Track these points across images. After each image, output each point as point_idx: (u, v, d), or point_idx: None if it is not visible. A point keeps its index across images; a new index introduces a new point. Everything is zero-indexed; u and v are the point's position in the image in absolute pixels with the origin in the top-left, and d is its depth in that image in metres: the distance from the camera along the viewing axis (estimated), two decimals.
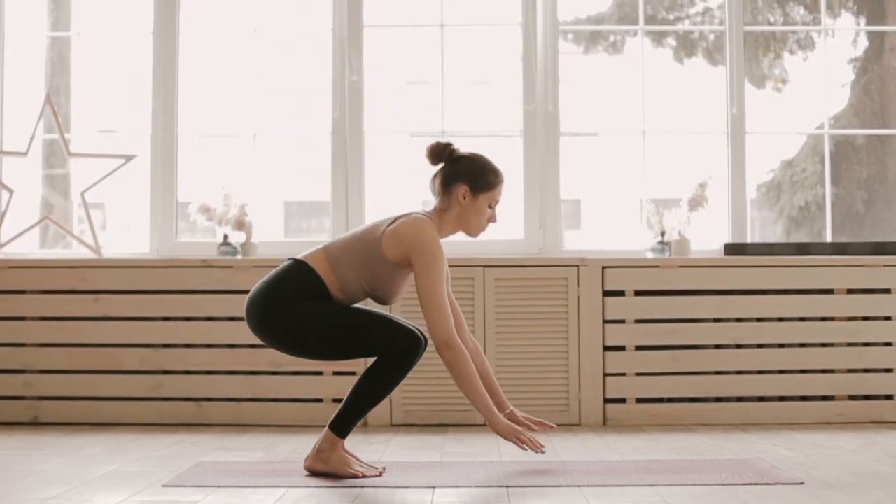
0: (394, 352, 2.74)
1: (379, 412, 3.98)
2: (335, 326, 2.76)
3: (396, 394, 3.97)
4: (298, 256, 2.87)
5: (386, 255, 2.79)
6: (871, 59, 5.72)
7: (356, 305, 2.87)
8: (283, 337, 2.79)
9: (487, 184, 2.90)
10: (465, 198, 2.88)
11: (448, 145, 2.92)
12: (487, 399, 2.81)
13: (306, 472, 2.83)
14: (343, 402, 2.80)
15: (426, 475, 2.83)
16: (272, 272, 2.87)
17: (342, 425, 2.78)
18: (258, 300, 2.80)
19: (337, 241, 2.88)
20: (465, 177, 2.88)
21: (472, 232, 2.94)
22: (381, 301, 2.88)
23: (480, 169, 2.90)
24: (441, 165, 2.93)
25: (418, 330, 2.81)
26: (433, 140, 2.94)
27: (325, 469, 2.80)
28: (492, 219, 2.95)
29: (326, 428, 2.81)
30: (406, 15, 4.91)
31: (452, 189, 2.89)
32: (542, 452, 2.86)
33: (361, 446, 3.38)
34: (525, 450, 2.80)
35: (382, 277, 2.81)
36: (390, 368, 2.75)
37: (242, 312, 4.01)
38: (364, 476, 2.78)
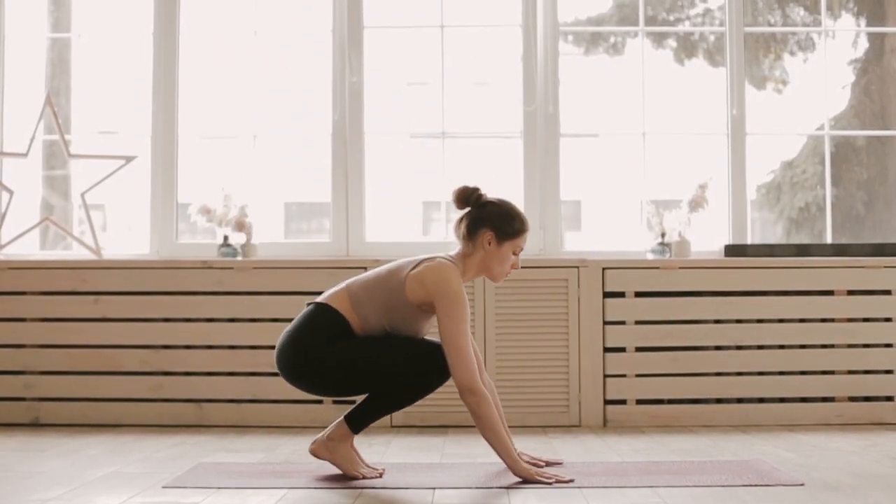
0: (423, 371, 2.78)
1: None
2: (363, 359, 2.77)
3: None
4: (319, 299, 2.88)
5: (409, 297, 2.80)
6: (871, 60, 5.72)
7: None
8: (318, 380, 2.80)
9: (513, 231, 2.88)
10: (489, 244, 2.87)
11: (475, 190, 2.90)
12: (509, 444, 2.79)
13: (311, 455, 2.88)
14: (364, 399, 2.83)
15: (427, 476, 2.84)
16: (296, 319, 2.88)
17: (358, 421, 2.82)
18: (287, 349, 2.82)
19: (359, 280, 2.89)
20: (490, 223, 2.87)
21: (496, 278, 2.93)
22: None
23: (507, 216, 2.88)
24: (467, 210, 2.92)
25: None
26: (461, 185, 2.92)
27: (330, 459, 2.82)
28: (515, 265, 2.93)
29: (342, 419, 2.83)
30: (406, 16, 4.91)
31: (478, 235, 2.87)
32: (573, 481, 2.78)
33: (362, 447, 3.38)
34: (551, 484, 2.74)
35: (404, 318, 2.82)
36: (417, 384, 2.80)
37: (241, 312, 4.02)
38: (364, 477, 2.78)
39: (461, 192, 2.90)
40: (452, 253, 2.93)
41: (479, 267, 2.90)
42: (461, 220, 2.92)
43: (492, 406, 2.75)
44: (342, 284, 2.90)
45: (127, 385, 4.05)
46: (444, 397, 3.91)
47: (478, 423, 2.76)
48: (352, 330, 2.82)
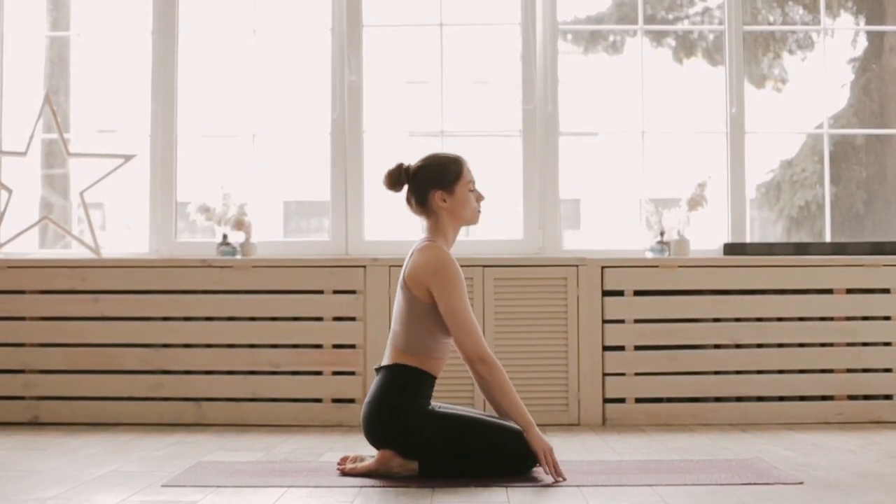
0: (516, 451, 2.75)
1: None
2: (454, 427, 2.77)
3: None
4: (384, 363, 2.86)
5: (422, 300, 2.79)
6: (870, 58, 5.71)
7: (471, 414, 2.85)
8: (405, 439, 2.77)
9: (454, 175, 2.88)
10: (444, 201, 2.87)
11: (399, 166, 2.90)
12: (524, 408, 2.76)
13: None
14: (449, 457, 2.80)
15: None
16: (373, 386, 2.85)
17: (432, 468, 2.77)
18: (375, 413, 2.79)
19: (394, 329, 2.87)
20: (431, 183, 2.87)
21: (471, 220, 2.93)
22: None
23: (439, 168, 2.89)
24: (406, 187, 2.92)
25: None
26: (385, 171, 2.91)
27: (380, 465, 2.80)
28: (479, 198, 2.93)
29: (418, 470, 2.77)
30: (405, 14, 4.91)
31: (428, 202, 2.88)
32: (564, 479, 2.74)
33: (361, 447, 3.38)
34: (547, 473, 2.72)
35: (441, 325, 2.81)
36: (501, 466, 2.77)
37: (240, 311, 4.00)
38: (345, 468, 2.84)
39: (389, 176, 2.90)
40: (424, 235, 2.93)
41: (452, 224, 2.90)
42: (408, 199, 2.92)
43: (503, 372, 2.74)
44: (388, 345, 2.88)
45: (126, 384, 4.05)
46: (443, 398, 3.92)
47: (490, 390, 2.75)
48: (424, 371, 2.81)
